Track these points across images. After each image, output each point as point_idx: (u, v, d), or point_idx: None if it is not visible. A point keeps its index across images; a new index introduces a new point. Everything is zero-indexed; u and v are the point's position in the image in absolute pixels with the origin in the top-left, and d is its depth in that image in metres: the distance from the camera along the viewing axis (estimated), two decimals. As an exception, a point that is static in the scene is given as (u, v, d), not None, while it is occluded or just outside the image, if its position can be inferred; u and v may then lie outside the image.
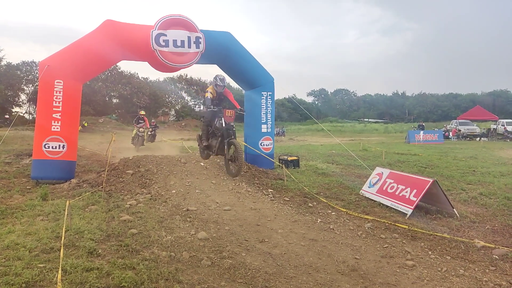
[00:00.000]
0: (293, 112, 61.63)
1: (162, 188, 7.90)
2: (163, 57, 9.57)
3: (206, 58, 10.31)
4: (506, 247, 5.13)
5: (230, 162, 7.30)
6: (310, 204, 7.46)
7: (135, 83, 45.03)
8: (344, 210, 7.04)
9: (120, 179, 8.41)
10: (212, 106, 7.23)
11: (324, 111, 74.12)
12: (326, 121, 61.41)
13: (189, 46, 9.71)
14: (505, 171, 11.77)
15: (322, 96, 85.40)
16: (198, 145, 8.27)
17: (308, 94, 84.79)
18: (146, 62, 10.52)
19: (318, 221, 6.46)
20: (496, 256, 4.88)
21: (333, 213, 6.92)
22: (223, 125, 7.12)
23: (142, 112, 17.73)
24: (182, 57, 9.74)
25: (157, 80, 53.08)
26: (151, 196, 7.37)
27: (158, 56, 9.54)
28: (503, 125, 33.25)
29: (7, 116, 35.90)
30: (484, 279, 4.30)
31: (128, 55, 10.05)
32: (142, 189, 7.85)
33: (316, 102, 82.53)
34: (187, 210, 6.66)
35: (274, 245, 5.27)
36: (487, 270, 4.54)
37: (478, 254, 5.02)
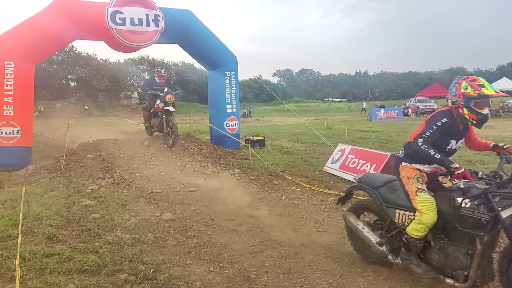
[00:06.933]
0: (259, 93, 61.71)
1: (125, 172, 7.73)
2: (120, 36, 9.20)
3: (167, 37, 10.02)
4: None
5: None
6: (275, 182, 7.57)
7: (94, 65, 43.11)
8: (308, 186, 7.20)
9: (80, 164, 8.13)
10: None
11: (289, 91, 74.69)
12: (292, 101, 62.04)
13: (148, 25, 9.38)
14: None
15: (287, 76, 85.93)
16: None
17: (273, 75, 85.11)
18: (103, 42, 10.09)
19: (283, 198, 6.59)
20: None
21: (297, 190, 7.06)
22: None
23: (162, 71, 10.33)
24: (140, 36, 9.40)
25: (118, 61, 51.28)
26: (114, 180, 7.19)
27: (115, 35, 9.15)
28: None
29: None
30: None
31: (83, 34, 9.58)
32: (104, 173, 7.65)
33: (282, 83, 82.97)
34: (152, 192, 6.58)
35: (240, 222, 5.33)
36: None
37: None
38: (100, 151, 8.73)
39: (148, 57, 51.50)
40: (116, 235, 4.50)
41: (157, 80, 9.95)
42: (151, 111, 10.01)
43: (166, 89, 9.68)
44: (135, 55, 50.33)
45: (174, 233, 4.78)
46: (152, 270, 3.61)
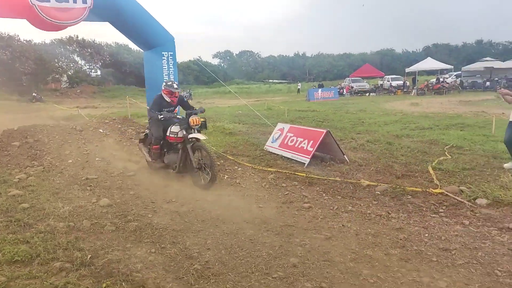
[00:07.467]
0: (199, 75, 60.62)
1: (56, 159, 7.30)
2: (44, 13, 8.47)
3: (96, 14, 9.40)
4: (386, 183, 5.92)
5: None
6: (217, 163, 7.58)
7: (16, 47, 39.32)
8: (250, 165, 7.34)
9: (5, 152, 7.53)
10: None
11: (230, 73, 74.29)
12: (233, 83, 61.84)
13: (74, 1, 8.72)
14: (389, 120, 13.37)
15: (228, 58, 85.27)
16: None
17: (213, 56, 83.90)
18: (25, 20, 9.22)
19: (225, 177, 6.66)
20: (378, 192, 5.61)
21: (239, 169, 7.16)
22: None
23: (174, 86, 6.73)
24: (67, 13, 8.73)
25: (43, 42, 47.17)
26: (44, 168, 6.77)
27: (38, 12, 8.41)
28: (388, 81, 37.31)
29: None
30: (368, 211, 4.93)
31: (1, 11, 8.66)
32: (33, 161, 7.16)
33: (222, 64, 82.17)
34: (87, 179, 6.30)
35: (182, 203, 5.32)
36: (370, 204, 5.19)
37: (363, 192, 5.70)
38: (27, 138, 8.14)
39: (77, 37, 47.99)
40: (48, 224, 4.28)
41: (166, 99, 6.62)
42: (162, 142, 6.74)
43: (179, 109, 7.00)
44: (63, 34, 46.83)
45: (112, 218, 4.65)
46: (89, 256, 3.51)
